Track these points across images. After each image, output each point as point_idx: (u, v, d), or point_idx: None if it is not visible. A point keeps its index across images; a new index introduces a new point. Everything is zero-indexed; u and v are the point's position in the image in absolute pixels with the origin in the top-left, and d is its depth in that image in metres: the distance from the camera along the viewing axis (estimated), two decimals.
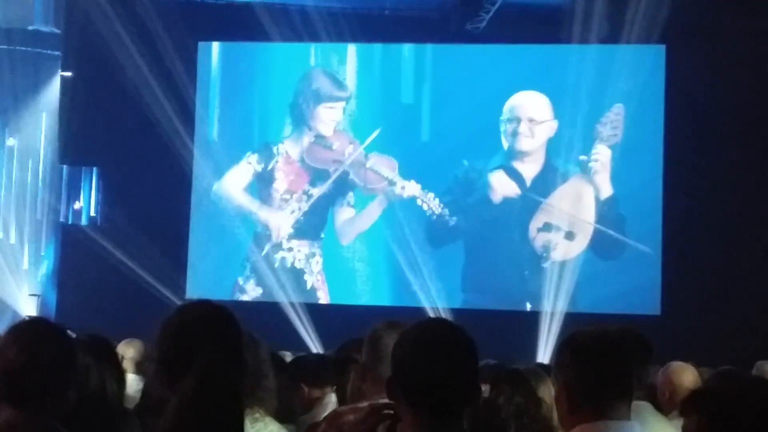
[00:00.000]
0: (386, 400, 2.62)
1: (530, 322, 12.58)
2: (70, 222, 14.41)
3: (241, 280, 13.71)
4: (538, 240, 13.17)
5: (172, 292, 12.66)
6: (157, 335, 2.74)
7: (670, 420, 4.34)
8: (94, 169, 14.48)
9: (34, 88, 14.73)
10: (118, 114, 13.76)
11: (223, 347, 2.62)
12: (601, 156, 13.10)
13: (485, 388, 4.27)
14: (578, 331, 2.96)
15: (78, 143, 14.11)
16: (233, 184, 13.85)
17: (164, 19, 13.33)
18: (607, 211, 13.11)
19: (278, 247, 13.70)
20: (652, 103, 12.99)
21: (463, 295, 13.28)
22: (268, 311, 12.59)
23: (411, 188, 13.41)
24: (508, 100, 13.31)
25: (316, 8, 13.43)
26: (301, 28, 13.40)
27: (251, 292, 13.62)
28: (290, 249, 13.70)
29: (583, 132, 13.05)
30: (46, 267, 14.67)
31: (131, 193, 13.82)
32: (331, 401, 5.18)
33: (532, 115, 13.29)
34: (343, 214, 13.64)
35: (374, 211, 13.55)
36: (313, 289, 13.60)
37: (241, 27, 13.73)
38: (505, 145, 13.34)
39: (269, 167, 13.84)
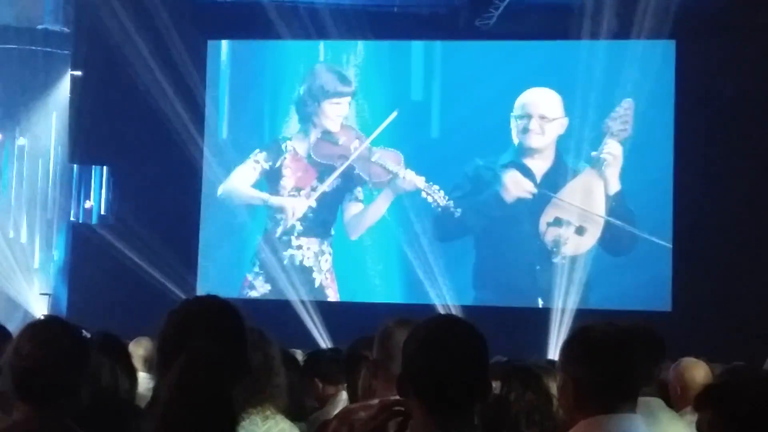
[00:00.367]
0: (397, 397, 2.62)
1: (541, 318, 12.57)
2: (80, 221, 14.44)
3: (250, 277, 13.73)
4: (549, 235, 13.16)
5: (183, 290, 12.67)
6: (160, 326, 2.77)
7: (681, 416, 4.33)
8: (105, 167, 14.50)
9: (44, 88, 14.77)
10: (128, 113, 13.78)
11: (221, 341, 2.63)
12: (612, 151, 13.08)
13: (496, 385, 4.27)
14: (589, 326, 2.96)
15: (88, 142, 14.14)
16: (241, 182, 13.86)
17: (174, 18, 13.35)
18: (617, 206, 13.09)
19: (287, 244, 13.71)
20: (662, 98, 12.96)
21: (474, 292, 13.27)
22: (279, 309, 12.62)
23: (416, 181, 13.41)
24: (520, 97, 13.30)
25: (325, 5, 13.43)
26: (311, 25, 13.40)
27: (260, 289, 13.64)
28: (299, 247, 13.71)
29: (594, 128, 13.03)
30: (56, 266, 14.71)
31: (141, 192, 13.85)
32: (343, 398, 5.19)
33: (543, 113, 13.28)
34: (352, 209, 13.65)
35: (381, 205, 13.56)
36: (322, 287, 13.61)
37: (250, 25, 13.75)
38: (516, 141, 13.33)
39: (277, 164, 13.85)
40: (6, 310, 13.59)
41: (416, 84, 13.85)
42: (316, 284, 13.61)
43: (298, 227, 13.75)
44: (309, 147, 13.82)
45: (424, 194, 13.40)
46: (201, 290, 13.20)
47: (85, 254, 14.03)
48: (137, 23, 13.32)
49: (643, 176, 13.01)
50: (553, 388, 4.06)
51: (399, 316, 3.48)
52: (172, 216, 13.54)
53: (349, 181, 13.69)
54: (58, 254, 14.78)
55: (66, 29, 14.66)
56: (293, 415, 3.82)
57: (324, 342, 12.34)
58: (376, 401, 3.02)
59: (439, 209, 13.38)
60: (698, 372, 5.25)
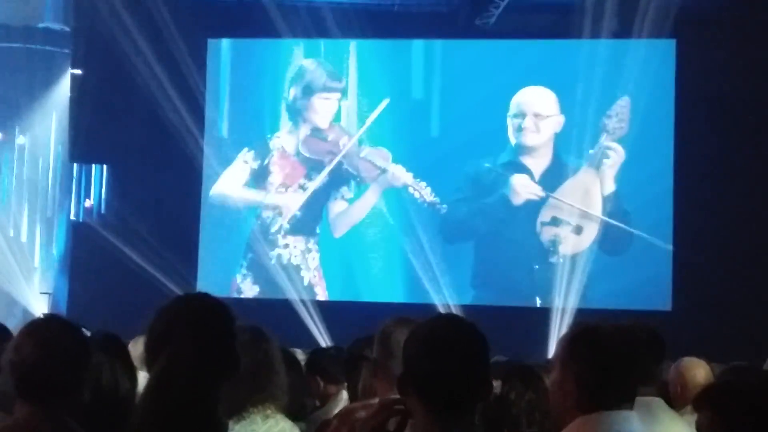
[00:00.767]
0: (397, 396, 2.63)
1: (541, 318, 12.57)
2: (80, 219, 14.45)
3: (239, 278, 13.73)
4: (545, 234, 13.16)
5: (183, 289, 12.64)
6: (147, 328, 2.79)
7: (681, 415, 4.33)
8: (105, 166, 14.51)
9: (45, 86, 14.77)
10: (128, 111, 13.78)
11: (207, 339, 2.63)
12: (609, 149, 13.08)
13: (496, 384, 4.28)
14: (586, 326, 2.96)
15: (88, 141, 14.13)
16: (231, 183, 13.87)
17: (174, 16, 13.34)
18: (615, 205, 13.09)
19: (274, 243, 13.73)
20: (662, 97, 12.96)
21: (473, 291, 13.28)
22: (277, 308, 12.62)
23: (403, 177, 13.42)
24: (514, 96, 13.31)
25: (325, 4, 13.44)
26: (311, 24, 13.40)
27: (248, 290, 13.63)
28: (286, 245, 13.73)
29: (593, 127, 13.04)
30: (56, 265, 14.71)
31: (141, 191, 13.85)
32: (344, 398, 5.19)
33: (537, 110, 13.28)
34: (337, 206, 13.67)
35: (368, 201, 13.57)
36: (311, 285, 13.62)
37: (250, 23, 13.75)
38: (512, 140, 13.34)
39: (265, 162, 13.86)
40: (6, 309, 13.59)
41: (416, 82, 13.85)
42: (305, 282, 13.62)
43: (285, 225, 13.76)
44: (298, 143, 13.83)
45: (411, 190, 13.42)
46: (201, 289, 13.21)
47: (85, 253, 14.03)
48: (137, 22, 13.32)
49: (643, 175, 13.01)
50: None
51: (399, 315, 3.48)
52: (172, 215, 13.54)
53: (336, 179, 13.69)
54: (58, 253, 14.78)
55: (66, 28, 14.67)
56: (293, 415, 3.82)
57: (324, 341, 12.34)
58: (376, 400, 3.02)
59: (425, 205, 13.38)
60: (698, 371, 5.25)
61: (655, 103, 12.91)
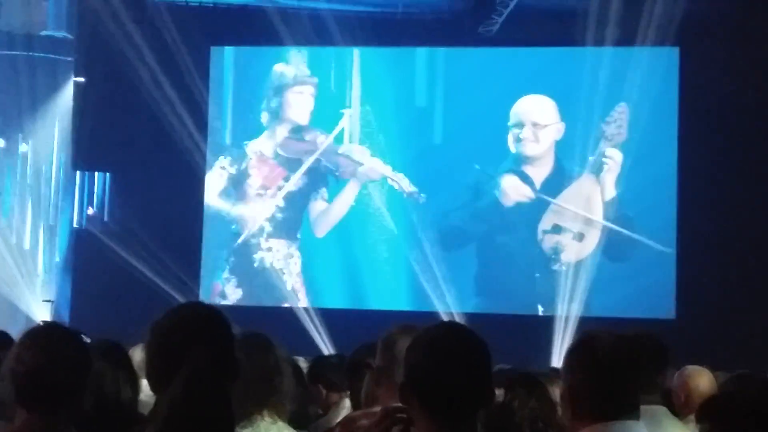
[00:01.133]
0: (400, 404, 2.61)
1: (544, 326, 12.56)
2: (83, 227, 14.45)
3: (221, 283, 13.73)
4: (547, 242, 13.16)
5: (185, 296, 12.64)
6: (147, 338, 2.72)
7: (685, 424, 4.32)
8: (107, 174, 14.51)
9: (48, 94, 14.78)
10: (131, 119, 13.79)
11: (213, 350, 2.61)
12: (609, 155, 13.08)
13: (500, 393, 4.27)
14: (591, 335, 2.95)
15: (91, 148, 14.15)
16: (210, 190, 13.89)
17: (177, 24, 13.36)
18: (616, 211, 13.08)
19: (257, 247, 13.73)
20: (666, 104, 12.97)
21: (476, 299, 13.27)
22: (277, 315, 12.61)
23: (382, 169, 13.44)
24: (513, 106, 13.31)
25: (328, 12, 13.44)
26: (314, 32, 13.41)
27: (231, 294, 13.62)
28: (269, 249, 13.74)
29: (595, 134, 13.04)
30: (59, 272, 14.70)
31: (144, 198, 13.86)
32: (346, 406, 5.17)
33: (535, 120, 13.29)
34: (317, 206, 13.70)
35: (347, 197, 13.59)
36: (294, 291, 13.62)
37: (253, 31, 13.76)
38: (513, 150, 13.34)
39: (242, 166, 13.88)
40: (9, 316, 13.58)
41: (419, 90, 13.86)
42: (288, 287, 13.62)
43: (267, 228, 13.77)
44: (275, 145, 13.86)
45: (390, 181, 13.44)
46: (204, 297, 13.21)
47: (88, 260, 14.04)
48: (140, 29, 13.34)
49: (646, 182, 13.01)
50: (557, 395, 4.05)
51: (402, 322, 3.47)
52: (174, 222, 13.55)
53: (315, 178, 13.74)
54: (60, 260, 14.77)
55: (69, 36, 14.69)
56: (296, 423, 3.81)
57: (326, 349, 12.32)
58: (378, 408, 3.00)
59: (405, 195, 13.35)
60: (702, 380, 5.23)
61: (658, 109, 12.91)
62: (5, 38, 14.54)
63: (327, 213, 13.66)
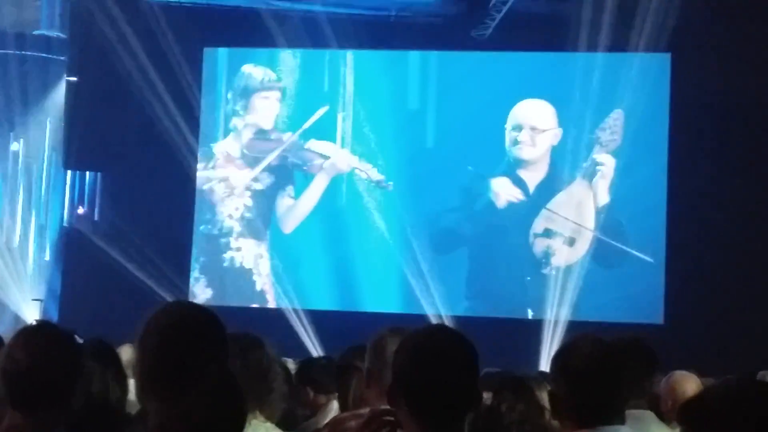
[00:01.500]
0: (388, 407, 2.62)
1: (533, 330, 12.57)
2: (73, 227, 14.42)
3: (191, 282, 13.73)
4: (538, 246, 13.17)
5: (176, 297, 12.64)
6: (140, 335, 2.64)
7: (672, 429, 4.33)
8: (99, 174, 14.49)
9: (40, 93, 14.75)
10: (123, 119, 13.78)
11: (218, 353, 2.59)
12: (602, 162, 13.10)
13: (487, 396, 4.27)
14: (574, 343, 2.97)
15: (82, 148, 14.13)
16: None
17: (170, 25, 13.35)
18: (607, 217, 13.10)
19: (226, 246, 13.74)
20: (657, 110, 12.99)
21: (466, 302, 13.28)
22: (267, 317, 12.60)
23: (349, 160, 13.47)
24: (512, 109, 13.33)
25: (322, 14, 13.44)
26: (307, 34, 13.42)
27: (200, 294, 13.62)
28: (239, 249, 13.76)
29: (588, 139, 13.06)
30: (49, 272, 14.68)
31: (135, 199, 13.84)
32: (334, 408, 5.18)
33: (534, 124, 13.31)
34: (285, 202, 13.73)
35: (315, 191, 13.61)
36: (263, 292, 13.63)
37: (247, 32, 13.75)
38: (509, 153, 13.36)
39: (210, 165, 13.88)
40: None
41: (412, 93, 13.87)
42: (257, 288, 13.63)
43: (237, 228, 13.79)
44: (242, 146, 13.89)
45: (357, 172, 13.46)
46: (193, 298, 13.20)
47: (78, 261, 14.02)
48: (133, 30, 13.33)
49: (636, 188, 13.02)
50: (545, 399, 4.07)
51: (392, 325, 3.47)
52: (165, 223, 13.53)
53: (283, 176, 13.77)
54: (50, 260, 14.75)
55: (62, 35, 14.66)
56: (284, 424, 3.81)
57: (315, 350, 12.32)
58: (366, 410, 3.01)
59: (373, 184, 13.39)
60: (689, 385, 5.25)
61: (650, 116, 12.94)
62: None
63: (294, 208, 13.69)
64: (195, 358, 2.52)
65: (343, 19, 13.50)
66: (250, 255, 13.71)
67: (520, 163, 13.34)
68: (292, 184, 13.77)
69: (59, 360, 2.86)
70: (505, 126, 13.32)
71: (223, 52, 14.31)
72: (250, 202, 13.80)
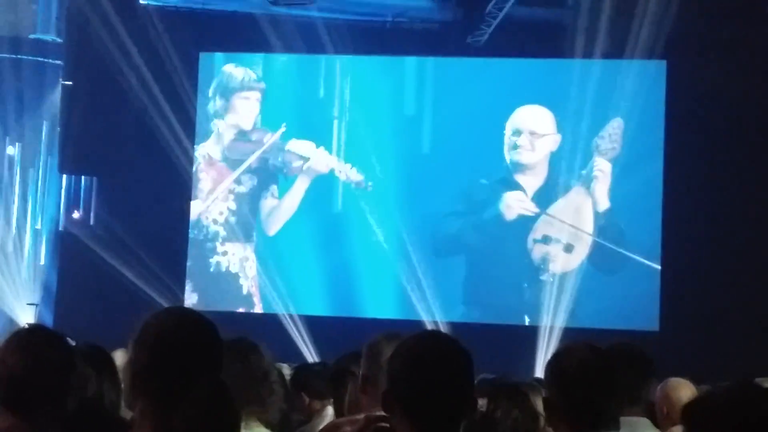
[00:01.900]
0: (382, 413, 2.62)
1: (529, 336, 12.57)
2: (69, 231, 14.41)
3: (183, 288, 13.74)
4: (536, 252, 13.18)
5: (171, 302, 12.63)
6: (133, 343, 2.56)
7: None
8: (94, 178, 14.48)
9: (35, 97, 14.74)
10: (119, 124, 13.78)
11: (213, 360, 2.56)
12: (601, 169, 13.12)
13: (483, 402, 4.27)
14: (567, 349, 2.97)
15: (78, 152, 14.12)
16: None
17: (166, 29, 13.36)
18: (606, 225, 13.12)
19: (212, 251, 13.73)
20: (653, 117, 13.01)
21: (463, 308, 13.28)
22: (262, 322, 12.59)
23: (328, 161, 13.48)
24: (512, 115, 13.34)
25: (318, 19, 13.45)
26: (304, 39, 13.42)
27: (187, 298, 13.62)
28: (224, 253, 13.75)
29: (584, 146, 13.08)
30: (43, 276, 14.65)
31: (131, 203, 13.83)
32: (329, 413, 5.17)
33: (533, 128, 13.33)
34: (268, 204, 13.73)
35: (297, 193, 13.63)
36: (249, 295, 13.63)
37: (243, 38, 13.76)
38: (508, 158, 13.37)
39: (192, 170, 13.89)
40: None
41: (408, 99, 13.88)
42: (244, 292, 13.63)
43: (222, 232, 13.78)
44: (223, 149, 13.89)
45: (337, 173, 13.47)
46: (188, 303, 13.20)
47: (73, 264, 14.00)
48: (130, 34, 13.32)
49: (633, 195, 13.04)
50: (539, 405, 4.07)
51: (388, 330, 3.47)
52: (161, 227, 13.52)
53: (265, 178, 13.80)
54: (45, 264, 14.73)
55: (58, 39, 14.66)
56: (279, 429, 3.81)
57: (311, 356, 12.31)
58: (361, 416, 3.01)
59: (353, 185, 13.41)
60: (684, 392, 5.24)
61: (645, 123, 12.96)
62: None
63: (276, 210, 13.70)
64: (188, 366, 2.49)
65: (340, 24, 13.51)
66: (235, 259, 13.71)
67: (518, 167, 13.34)
68: (275, 186, 13.78)
69: (52, 362, 2.86)
70: (505, 131, 13.33)
71: (219, 57, 14.30)
72: (233, 206, 13.82)
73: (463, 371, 2.56)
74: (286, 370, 6.36)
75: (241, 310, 13.52)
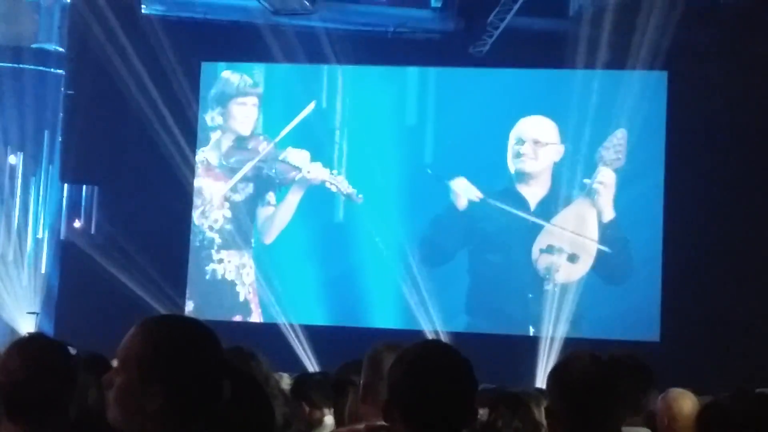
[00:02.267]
0: (383, 423, 2.61)
1: (531, 346, 12.56)
2: (70, 240, 14.40)
3: (184, 296, 13.73)
4: (541, 262, 13.18)
5: (171, 311, 12.60)
6: (131, 351, 2.50)
7: None
8: (95, 187, 14.48)
9: (37, 106, 14.75)
10: (121, 133, 13.79)
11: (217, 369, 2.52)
12: (605, 180, 13.13)
13: (484, 412, 4.27)
14: (570, 359, 2.97)
15: (79, 162, 14.12)
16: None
17: (168, 39, 13.38)
18: (609, 235, 13.11)
19: (208, 259, 13.73)
20: (654, 128, 13.02)
21: (467, 318, 13.26)
22: (261, 331, 12.58)
23: (320, 173, 13.47)
24: (516, 124, 13.35)
25: (320, 29, 13.47)
26: (305, 49, 13.43)
27: (186, 307, 13.63)
28: (221, 260, 13.75)
29: (586, 156, 13.08)
30: (44, 285, 14.65)
31: (132, 212, 13.83)
32: (329, 423, 5.16)
33: (536, 137, 13.34)
34: (264, 212, 13.76)
35: (291, 203, 13.64)
36: (246, 302, 13.62)
37: (245, 47, 13.78)
38: (512, 168, 13.38)
39: (191, 177, 13.93)
40: None
41: (410, 109, 13.89)
42: (240, 299, 13.62)
43: (218, 240, 13.78)
44: (220, 155, 13.90)
45: (328, 185, 13.48)
46: (189, 311, 13.19)
47: (74, 273, 13.99)
48: (131, 44, 13.34)
49: (635, 205, 13.05)
50: (541, 416, 4.06)
51: (389, 340, 3.47)
52: (162, 236, 13.52)
53: (261, 186, 13.82)
54: (46, 273, 14.72)
55: (60, 48, 14.67)
56: None
57: (312, 365, 12.29)
58: (362, 426, 3.01)
59: (342, 197, 13.42)
60: (685, 403, 5.23)
61: (647, 133, 12.97)
62: None
63: (272, 219, 13.71)
64: (185, 374, 2.44)
65: (341, 34, 13.52)
66: (232, 266, 13.71)
67: (522, 177, 13.35)
68: (272, 193, 13.79)
69: (53, 370, 2.86)
70: (508, 141, 13.34)
71: (221, 66, 14.32)
72: (229, 213, 13.83)
73: (464, 381, 2.56)
74: (286, 379, 6.35)
75: (238, 318, 13.51)
